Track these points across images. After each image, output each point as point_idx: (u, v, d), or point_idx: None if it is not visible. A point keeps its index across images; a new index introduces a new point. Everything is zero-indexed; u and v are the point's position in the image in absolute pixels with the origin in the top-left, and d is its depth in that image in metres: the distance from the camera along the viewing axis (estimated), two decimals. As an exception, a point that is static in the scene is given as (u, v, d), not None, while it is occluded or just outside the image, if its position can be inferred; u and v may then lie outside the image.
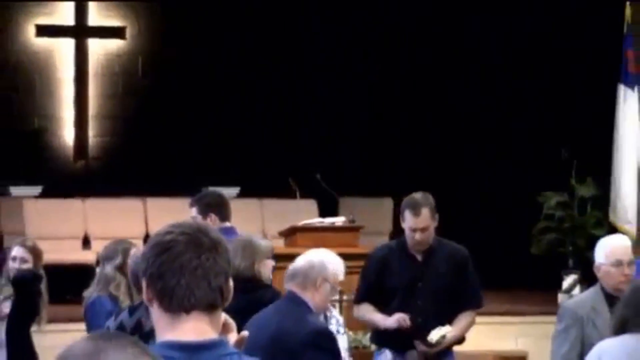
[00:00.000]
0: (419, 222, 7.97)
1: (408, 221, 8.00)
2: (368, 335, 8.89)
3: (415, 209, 7.99)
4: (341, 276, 6.73)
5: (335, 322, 7.90)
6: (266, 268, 7.40)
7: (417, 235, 7.96)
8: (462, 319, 8.06)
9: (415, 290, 7.92)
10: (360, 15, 15.26)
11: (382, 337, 7.91)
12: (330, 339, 6.62)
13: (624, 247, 7.42)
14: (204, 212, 8.43)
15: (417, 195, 8.11)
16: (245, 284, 6.93)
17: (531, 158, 14.42)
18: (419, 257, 8.02)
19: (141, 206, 14.22)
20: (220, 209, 8.53)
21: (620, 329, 6.21)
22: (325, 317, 7.41)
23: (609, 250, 7.34)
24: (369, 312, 8.06)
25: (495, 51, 14.96)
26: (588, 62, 13.33)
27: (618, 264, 7.22)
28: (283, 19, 15.24)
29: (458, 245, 8.23)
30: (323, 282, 6.58)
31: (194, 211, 8.47)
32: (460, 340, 8.16)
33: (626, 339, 6.36)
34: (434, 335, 7.82)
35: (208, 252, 3.11)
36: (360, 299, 8.20)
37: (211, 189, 10.67)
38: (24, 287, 8.00)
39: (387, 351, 7.74)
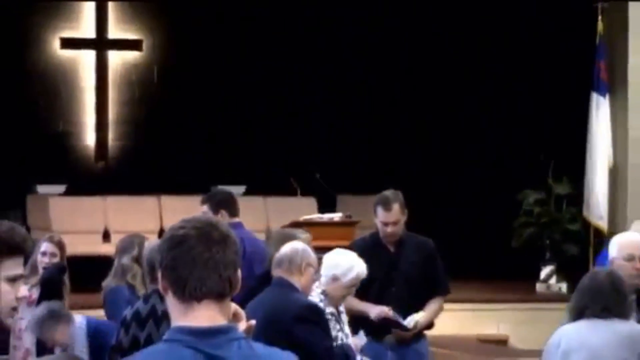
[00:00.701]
0: (390, 216, 8.01)
1: (380, 216, 8.04)
2: None
3: (387, 205, 8.03)
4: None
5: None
6: None
7: (389, 229, 7.99)
8: (432, 305, 8.07)
9: (390, 278, 7.96)
10: (356, 22, 15.24)
11: (360, 322, 7.90)
12: (319, 313, 6.69)
13: (636, 243, 7.41)
14: (215, 208, 8.41)
15: (388, 193, 8.14)
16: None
17: (512, 159, 14.40)
18: (392, 248, 8.05)
19: (156, 203, 14.21)
20: (230, 205, 8.55)
21: (577, 315, 6.26)
22: (338, 312, 7.41)
23: (621, 245, 7.33)
24: (355, 302, 8.08)
25: (486, 62, 14.91)
26: (565, 72, 13.32)
27: (630, 258, 7.19)
28: (286, 29, 15.21)
29: (424, 238, 8.25)
30: (307, 266, 6.66)
31: (205, 208, 8.45)
32: (430, 325, 8.15)
33: (582, 325, 6.41)
34: (410, 320, 7.86)
35: (218, 245, 3.09)
36: None
37: (220, 187, 10.67)
38: (52, 284, 8.03)
39: (361, 333, 7.73)
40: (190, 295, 3.08)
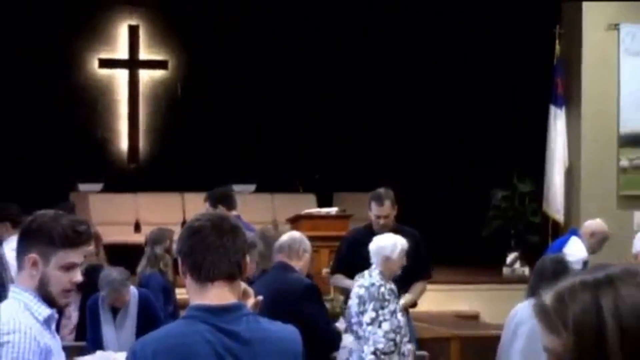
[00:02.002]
0: (382, 210, 8.00)
1: (374, 210, 8.03)
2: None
3: (380, 201, 8.02)
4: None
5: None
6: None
7: (381, 221, 7.97)
8: (417, 287, 8.06)
9: None
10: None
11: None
12: (319, 292, 6.71)
13: None
14: (214, 204, 8.38)
15: (381, 190, 8.12)
16: None
17: (483, 163, 14.39)
18: None
19: (180, 199, 14.18)
20: (226, 201, 8.48)
21: (531, 294, 6.28)
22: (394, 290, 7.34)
23: None
24: (341, 279, 8.07)
25: (463, 82, 14.90)
26: (528, 88, 13.31)
27: None
28: (290, 49, 15.19)
29: (411, 229, 8.18)
30: (303, 252, 6.67)
31: (207, 204, 8.44)
32: (414, 304, 8.13)
33: (532, 302, 6.45)
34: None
35: (228, 235, 3.11)
36: (334, 270, 8.22)
37: (232, 185, 10.62)
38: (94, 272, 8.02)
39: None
40: (204, 277, 3.09)
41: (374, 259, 7.20)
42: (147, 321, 7.30)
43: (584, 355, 1.84)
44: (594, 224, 9.03)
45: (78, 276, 3.50)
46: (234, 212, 8.23)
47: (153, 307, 7.65)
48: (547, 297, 1.94)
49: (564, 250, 8.72)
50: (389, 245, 7.23)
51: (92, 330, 7.52)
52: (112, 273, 7.53)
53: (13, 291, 3.55)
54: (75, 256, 3.48)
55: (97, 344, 7.38)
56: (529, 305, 6.48)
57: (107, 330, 7.48)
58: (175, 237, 7.66)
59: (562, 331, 1.88)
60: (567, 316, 1.88)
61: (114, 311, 7.51)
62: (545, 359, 1.83)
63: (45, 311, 3.48)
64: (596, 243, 8.80)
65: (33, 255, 3.44)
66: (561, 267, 6.40)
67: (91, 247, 8.62)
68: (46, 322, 3.48)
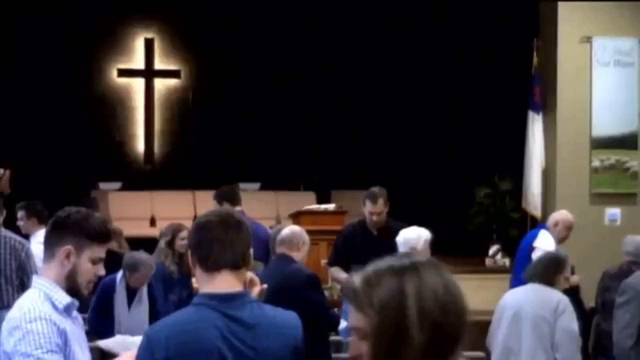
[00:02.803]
0: (376, 208, 7.96)
1: (368, 207, 7.98)
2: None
3: (374, 199, 7.98)
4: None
5: None
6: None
7: (375, 217, 7.95)
8: None
9: (373, 256, 7.89)
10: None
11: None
12: (319, 281, 6.68)
13: None
14: (219, 201, 8.32)
15: (375, 189, 8.08)
16: None
17: (469, 164, 14.39)
18: (375, 232, 7.98)
19: (191, 196, 14.18)
20: (231, 198, 8.38)
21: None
22: None
23: None
24: (338, 272, 8.04)
25: (452, 90, 14.90)
26: (508, 95, 13.30)
27: None
28: (292, 58, 15.22)
29: (402, 224, 8.08)
30: (302, 244, 6.64)
31: (214, 202, 8.39)
32: None
33: (518, 289, 6.49)
34: None
35: (233, 229, 3.12)
36: (332, 262, 8.18)
37: (238, 184, 10.58)
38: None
39: None
40: (212, 267, 3.09)
41: (401, 249, 7.16)
42: (151, 303, 7.36)
43: (386, 333, 1.84)
44: (556, 214, 9.01)
45: (102, 270, 3.53)
46: (238, 208, 8.19)
47: (156, 291, 7.65)
48: (357, 279, 1.93)
49: (534, 243, 8.70)
50: (414, 237, 7.19)
51: (104, 307, 7.40)
52: (142, 256, 7.47)
53: (35, 281, 3.54)
54: (102, 251, 3.51)
55: (108, 322, 7.30)
56: (513, 294, 6.49)
57: (121, 309, 7.40)
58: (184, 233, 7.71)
59: (368, 311, 1.86)
60: (373, 297, 1.87)
61: (130, 294, 7.44)
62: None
63: (65, 299, 3.47)
64: (562, 231, 8.72)
65: (68, 247, 3.44)
66: (547, 260, 6.44)
67: (113, 243, 8.63)
68: (66, 309, 3.47)
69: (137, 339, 5.65)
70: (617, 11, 11.82)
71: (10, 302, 6.54)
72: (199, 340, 2.97)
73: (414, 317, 1.83)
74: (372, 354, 1.85)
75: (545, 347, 6.11)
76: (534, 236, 8.89)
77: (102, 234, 3.50)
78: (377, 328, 1.85)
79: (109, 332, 7.21)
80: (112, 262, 7.26)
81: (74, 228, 3.47)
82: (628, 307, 6.36)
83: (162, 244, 8.13)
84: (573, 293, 7.37)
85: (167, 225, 8.54)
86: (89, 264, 3.47)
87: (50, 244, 3.51)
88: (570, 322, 6.11)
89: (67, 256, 3.45)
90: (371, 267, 1.93)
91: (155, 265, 7.78)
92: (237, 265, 3.10)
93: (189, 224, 8.54)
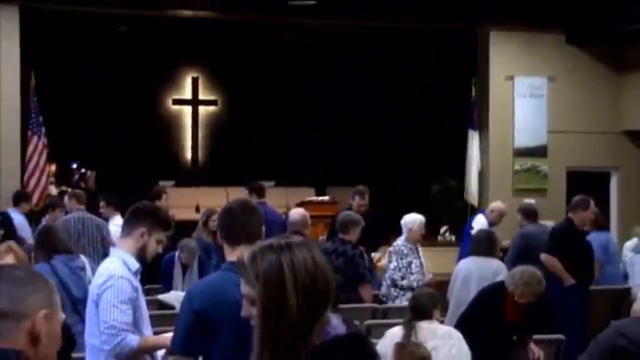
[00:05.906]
0: (363, 201, 8.01)
1: (357, 200, 8.02)
2: None
3: (361, 195, 8.03)
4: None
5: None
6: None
7: (362, 208, 7.95)
8: (383, 249, 7.92)
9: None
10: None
11: None
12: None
13: None
14: (250, 193, 8.30)
15: (361, 187, 8.13)
16: None
17: (426, 166, 14.36)
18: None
19: (225, 191, 14.17)
20: (258, 191, 8.37)
21: (472, 254, 6.28)
22: (416, 247, 7.16)
23: None
24: None
25: (412, 114, 14.86)
26: (455, 117, 13.25)
27: None
28: (299, 80, 15.19)
29: (377, 212, 8.17)
30: (309, 225, 6.62)
31: (246, 193, 8.37)
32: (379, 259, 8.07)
33: (469, 259, 6.44)
34: (373, 255, 7.76)
35: (249, 213, 3.07)
36: (329, 238, 8.17)
37: (260, 181, 10.56)
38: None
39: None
40: (233, 241, 3.06)
41: (403, 229, 7.14)
42: (201, 274, 7.25)
43: (269, 301, 1.76)
44: (494, 203, 9.03)
45: (160, 249, 3.57)
46: (262, 200, 8.17)
47: (205, 266, 7.55)
48: (246, 256, 1.86)
49: (472, 223, 8.69)
50: (411, 220, 7.16)
51: (166, 277, 7.39)
52: (191, 242, 7.41)
53: (114, 251, 3.56)
54: (163, 235, 3.55)
55: (169, 286, 7.30)
56: (464, 262, 6.46)
57: (177, 279, 7.37)
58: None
59: (254, 282, 1.80)
60: (258, 270, 1.79)
61: (184, 267, 7.41)
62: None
63: (135, 265, 3.50)
64: (495, 217, 8.73)
65: (143, 229, 3.50)
66: (488, 236, 6.43)
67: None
68: (135, 273, 3.50)
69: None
70: (531, 57, 11.87)
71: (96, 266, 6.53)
72: (225, 295, 2.92)
73: (290, 285, 1.75)
74: (259, 315, 1.77)
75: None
76: (473, 218, 8.92)
77: (168, 223, 3.58)
78: (261, 296, 1.77)
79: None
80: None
81: (148, 216, 3.52)
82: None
83: (200, 223, 8.11)
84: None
85: (203, 210, 8.51)
86: (154, 243, 3.52)
87: (128, 225, 3.54)
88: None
89: (142, 235, 3.50)
90: (256, 246, 1.85)
91: (196, 238, 7.76)
92: (253, 239, 3.05)
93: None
